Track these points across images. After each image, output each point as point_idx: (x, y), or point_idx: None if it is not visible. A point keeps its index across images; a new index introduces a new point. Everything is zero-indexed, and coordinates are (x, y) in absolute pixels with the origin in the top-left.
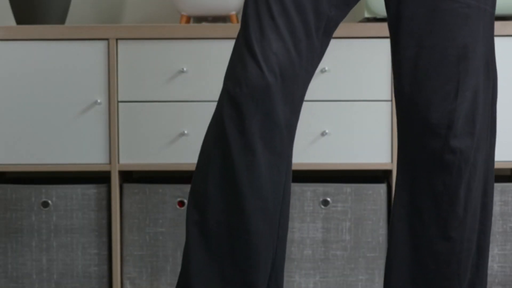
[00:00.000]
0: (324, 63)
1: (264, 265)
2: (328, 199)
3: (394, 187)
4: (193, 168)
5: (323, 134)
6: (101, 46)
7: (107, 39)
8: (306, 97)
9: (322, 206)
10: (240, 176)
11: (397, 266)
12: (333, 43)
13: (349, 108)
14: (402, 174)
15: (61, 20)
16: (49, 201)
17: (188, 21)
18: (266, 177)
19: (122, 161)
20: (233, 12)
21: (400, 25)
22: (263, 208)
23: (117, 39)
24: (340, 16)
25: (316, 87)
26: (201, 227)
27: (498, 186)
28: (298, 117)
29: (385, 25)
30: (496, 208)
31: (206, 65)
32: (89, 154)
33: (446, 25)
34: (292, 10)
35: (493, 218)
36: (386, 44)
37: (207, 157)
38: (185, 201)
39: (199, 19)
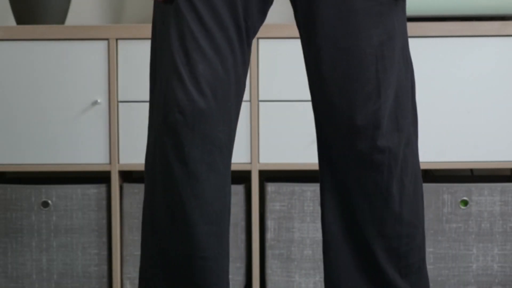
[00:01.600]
0: None
1: (222, 285)
2: None
3: (320, 188)
4: None
5: None
6: (101, 46)
7: (107, 39)
8: (305, 97)
9: None
10: (188, 205)
11: (338, 267)
12: None
13: None
14: (328, 177)
15: (61, 20)
16: (49, 201)
17: None
18: (214, 200)
19: (122, 161)
20: None
21: (313, 27)
22: (215, 232)
23: (117, 39)
24: (258, 24)
25: None
26: (158, 258)
27: (498, 186)
28: (235, 132)
29: None
30: (496, 208)
31: None
32: (89, 154)
33: (361, 25)
34: (214, 29)
35: (493, 218)
36: None
37: (152, 186)
38: None
39: None
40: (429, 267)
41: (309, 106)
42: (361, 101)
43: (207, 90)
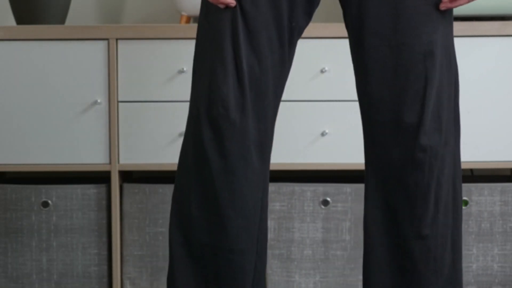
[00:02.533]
0: (324, 63)
1: (247, 281)
2: (328, 199)
3: (365, 188)
4: None
5: (323, 134)
6: (101, 46)
7: (107, 39)
8: (306, 97)
9: (322, 206)
10: (222, 198)
11: (376, 268)
12: (333, 43)
13: (349, 108)
14: (373, 175)
15: (61, 20)
16: (49, 201)
17: (188, 21)
18: (247, 196)
19: (122, 161)
20: None
21: (363, 26)
22: (245, 227)
23: (117, 39)
24: (303, 25)
25: (316, 87)
26: (186, 249)
27: (498, 186)
28: (273, 131)
29: None
30: (496, 208)
31: None
32: (89, 154)
33: (411, 23)
34: (256, 28)
35: (493, 218)
36: None
37: (188, 179)
38: None
39: None
40: None
41: (309, 106)
42: (409, 98)
43: (246, 87)
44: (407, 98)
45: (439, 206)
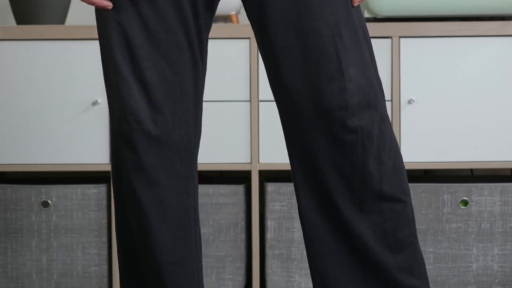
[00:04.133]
0: None
1: (193, 286)
2: None
3: (294, 184)
4: None
5: None
6: None
7: None
8: None
9: None
10: (151, 213)
11: (327, 258)
12: None
13: None
14: (300, 167)
15: (61, 20)
16: (49, 201)
17: None
18: (176, 205)
19: None
20: (233, 12)
21: (265, 15)
22: (180, 236)
23: None
24: (209, 22)
25: None
26: (128, 267)
27: (498, 186)
28: (198, 134)
29: (385, 25)
30: (496, 208)
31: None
32: (89, 154)
33: (314, 6)
34: (159, 33)
35: (493, 218)
36: (386, 44)
37: (117, 196)
38: None
39: None
40: (429, 267)
41: None
42: (324, 82)
43: (156, 96)
44: (322, 82)
45: (383, 182)
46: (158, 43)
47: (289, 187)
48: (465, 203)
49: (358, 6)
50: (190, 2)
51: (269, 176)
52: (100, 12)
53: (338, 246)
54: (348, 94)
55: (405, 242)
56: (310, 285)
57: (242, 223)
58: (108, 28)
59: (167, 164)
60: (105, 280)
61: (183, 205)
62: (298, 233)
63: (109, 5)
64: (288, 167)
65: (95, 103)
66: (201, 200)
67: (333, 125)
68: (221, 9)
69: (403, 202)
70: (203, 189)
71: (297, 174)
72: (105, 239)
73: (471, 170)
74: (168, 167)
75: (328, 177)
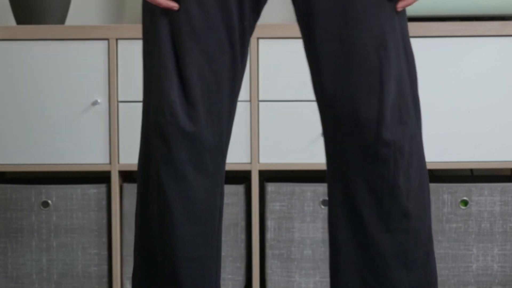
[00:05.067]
0: None
1: (210, 286)
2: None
3: (327, 188)
4: None
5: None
6: (101, 46)
7: (107, 39)
8: (305, 97)
9: (322, 206)
10: (175, 207)
11: (344, 269)
12: None
13: None
14: (334, 173)
15: (61, 20)
16: (49, 201)
17: None
18: (202, 202)
19: (122, 161)
20: None
21: (312, 21)
22: (202, 234)
23: (117, 39)
24: (253, 24)
25: None
26: (147, 260)
27: (498, 186)
28: (229, 133)
29: None
30: (496, 208)
31: None
32: (89, 154)
33: (361, 15)
34: (203, 31)
35: (493, 218)
36: None
37: (143, 188)
38: None
39: None
40: None
41: (309, 106)
42: (364, 93)
43: (194, 92)
44: (362, 93)
45: (410, 200)
46: (200, 41)
47: (289, 187)
48: (465, 203)
49: (405, 19)
50: (236, 3)
51: (269, 176)
52: (146, 4)
53: (359, 259)
54: (385, 107)
55: (419, 260)
56: (310, 285)
57: (242, 223)
58: (156, 22)
59: (197, 160)
60: (105, 280)
61: (208, 203)
62: (298, 233)
63: (175, 6)
64: (288, 167)
65: (95, 103)
66: None
67: (368, 136)
68: None
69: (423, 221)
70: None
71: (330, 181)
72: (105, 239)
73: (471, 170)
74: (197, 164)
75: (359, 189)
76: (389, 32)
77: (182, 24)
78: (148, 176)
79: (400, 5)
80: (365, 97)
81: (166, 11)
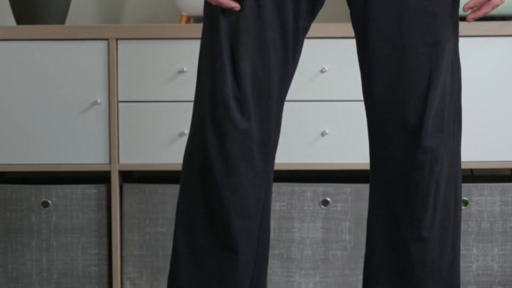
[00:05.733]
0: (324, 63)
1: (246, 280)
2: (328, 199)
3: (369, 188)
4: None
5: (323, 134)
6: (101, 46)
7: (107, 39)
8: (306, 97)
9: (322, 206)
10: (224, 199)
11: (375, 270)
12: (333, 43)
13: (349, 108)
14: (376, 176)
15: (61, 20)
16: (49, 201)
17: (188, 21)
18: (250, 197)
19: (122, 161)
20: None
21: (368, 27)
22: (247, 228)
23: (117, 39)
24: (308, 25)
25: (316, 87)
26: (190, 248)
27: (498, 186)
28: (278, 131)
29: None
30: (496, 208)
31: None
32: (89, 154)
33: (415, 24)
34: (259, 29)
35: (493, 218)
36: None
37: (193, 179)
38: None
39: (199, 19)
40: None
41: (309, 106)
42: (413, 100)
43: (246, 87)
44: (411, 99)
45: (437, 209)
46: (255, 37)
47: (289, 187)
48: (465, 203)
49: (457, 29)
50: (293, 4)
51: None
52: (210, 4)
53: (390, 265)
54: (427, 114)
55: (445, 268)
56: (310, 285)
57: None
58: (217, 19)
59: (248, 155)
60: (105, 280)
61: (255, 198)
62: (298, 233)
63: (237, 6)
64: (288, 167)
65: (95, 103)
66: None
67: (411, 142)
68: None
69: (450, 230)
70: None
71: (373, 182)
72: (105, 239)
73: (471, 170)
74: (248, 158)
75: (395, 193)
76: (442, 42)
77: (240, 21)
78: (196, 168)
79: (471, 16)
80: (413, 103)
81: (225, 9)
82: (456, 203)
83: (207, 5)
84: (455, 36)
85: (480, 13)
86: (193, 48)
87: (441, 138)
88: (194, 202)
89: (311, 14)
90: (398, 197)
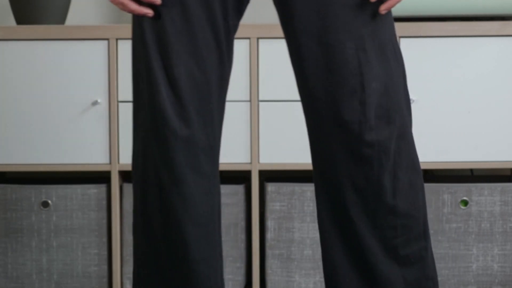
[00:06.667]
0: None
1: (216, 286)
2: None
3: (314, 190)
4: None
5: None
6: (101, 46)
7: (107, 39)
8: None
9: None
10: (176, 209)
11: (338, 267)
12: None
13: None
14: (320, 174)
15: (61, 20)
16: (49, 201)
17: None
18: (202, 203)
19: (122, 161)
20: None
21: (293, 24)
22: (204, 235)
23: (117, 39)
24: (237, 23)
25: None
26: (151, 263)
27: (498, 186)
28: (221, 134)
29: None
30: (496, 208)
31: None
32: (89, 154)
33: (340, 19)
34: (189, 31)
35: (493, 218)
36: None
37: (142, 192)
38: None
39: None
40: None
41: None
42: (346, 95)
43: (184, 94)
44: (343, 95)
45: (397, 198)
46: (186, 42)
47: (289, 187)
48: (465, 203)
49: (391, 20)
50: (220, 3)
51: (269, 176)
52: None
53: (348, 258)
54: (367, 108)
55: (414, 256)
56: (310, 285)
57: (242, 223)
58: (142, 25)
59: (194, 162)
60: (105, 280)
61: (208, 204)
62: (298, 233)
63: (149, 12)
64: (288, 167)
65: (95, 103)
66: None
67: (351, 138)
68: None
69: (415, 218)
70: None
71: (317, 183)
72: (105, 239)
73: (471, 170)
74: (194, 166)
75: (344, 188)
76: (370, 34)
77: (167, 26)
78: (146, 180)
79: (383, 8)
80: (347, 99)
81: (150, 12)
82: (420, 191)
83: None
84: (388, 23)
85: (392, 2)
86: None
87: (388, 129)
88: (149, 214)
89: (239, 11)
90: (349, 192)
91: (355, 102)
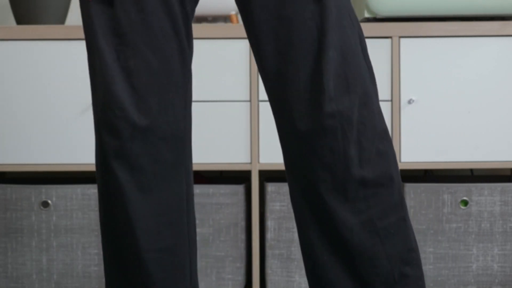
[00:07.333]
0: None
1: (181, 281)
2: None
3: (285, 166)
4: (194, 167)
5: None
6: None
7: None
8: None
9: None
10: (134, 200)
11: (310, 245)
12: None
13: None
14: (286, 154)
15: (61, 20)
16: (49, 201)
17: None
18: (161, 192)
19: None
20: (233, 12)
21: (249, 1)
22: (168, 223)
23: None
24: (194, 8)
25: None
26: (114, 254)
27: (498, 186)
28: (189, 121)
29: (385, 25)
30: (496, 208)
31: (206, 65)
32: (89, 154)
33: None
34: (144, 21)
35: (493, 218)
36: (386, 44)
37: (101, 183)
38: None
39: (199, 19)
40: (429, 267)
41: None
42: (307, 67)
43: (141, 83)
44: (302, 66)
45: (364, 168)
46: (142, 31)
47: None
48: (465, 203)
49: None
50: None
51: (269, 176)
52: (83, 0)
53: (323, 234)
54: (326, 78)
55: (392, 227)
56: None
57: (242, 223)
58: (91, 16)
59: (153, 151)
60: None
61: (171, 192)
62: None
63: None
64: None
65: None
66: (201, 200)
67: (312, 110)
68: (221, 9)
69: (388, 187)
70: (203, 189)
71: (286, 164)
72: None
73: (471, 170)
74: (153, 154)
75: (311, 166)
76: (326, 4)
77: (121, 18)
78: (104, 173)
79: None
80: (305, 70)
81: (102, 3)
82: (391, 159)
83: (81, 2)
84: None
85: None
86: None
87: (349, 99)
88: (107, 207)
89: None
90: (316, 167)
91: (312, 72)
